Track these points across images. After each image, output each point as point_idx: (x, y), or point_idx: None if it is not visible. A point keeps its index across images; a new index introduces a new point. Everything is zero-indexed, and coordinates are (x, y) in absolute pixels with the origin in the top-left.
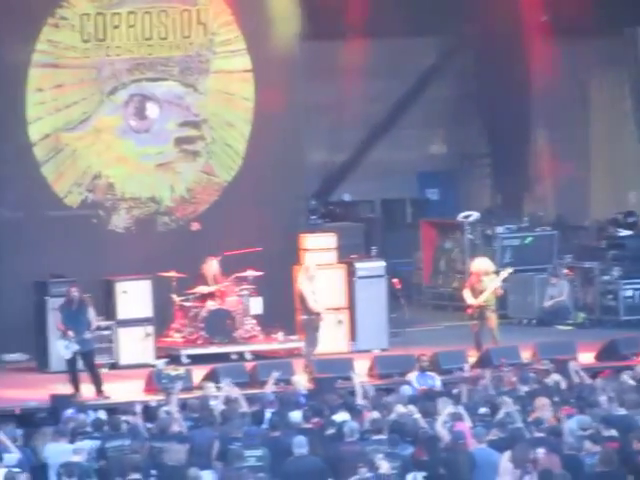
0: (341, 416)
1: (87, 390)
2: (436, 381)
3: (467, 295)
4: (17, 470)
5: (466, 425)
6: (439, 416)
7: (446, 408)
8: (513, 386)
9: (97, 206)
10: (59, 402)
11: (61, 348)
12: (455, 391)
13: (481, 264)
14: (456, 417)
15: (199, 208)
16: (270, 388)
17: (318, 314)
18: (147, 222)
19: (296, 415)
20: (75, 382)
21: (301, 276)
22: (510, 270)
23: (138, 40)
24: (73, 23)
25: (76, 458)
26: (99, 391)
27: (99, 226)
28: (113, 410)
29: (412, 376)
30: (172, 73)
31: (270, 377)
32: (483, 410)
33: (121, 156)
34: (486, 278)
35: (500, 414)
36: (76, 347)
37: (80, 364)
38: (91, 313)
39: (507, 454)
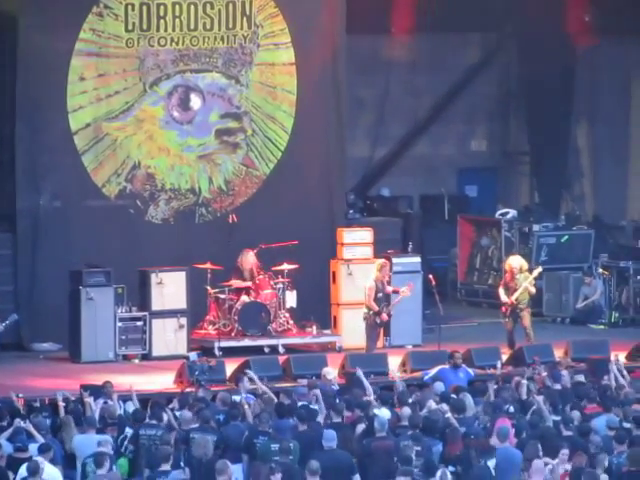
0: (383, 412)
1: (119, 381)
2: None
3: (501, 293)
4: (41, 459)
5: (507, 421)
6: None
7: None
8: (544, 384)
9: (135, 196)
10: (89, 392)
11: None
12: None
13: (515, 262)
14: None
15: (237, 200)
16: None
17: (377, 312)
18: (185, 214)
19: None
20: None
21: (374, 272)
22: (540, 269)
23: (183, 31)
24: (117, 13)
25: (102, 449)
26: None
27: (136, 217)
28: (144, 401)
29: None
30: (216, 65)
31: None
32: (510, 408)
33: (163, 147)
34: (520, 276)
35: (530, 413)
36: None
37: None
38: None
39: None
